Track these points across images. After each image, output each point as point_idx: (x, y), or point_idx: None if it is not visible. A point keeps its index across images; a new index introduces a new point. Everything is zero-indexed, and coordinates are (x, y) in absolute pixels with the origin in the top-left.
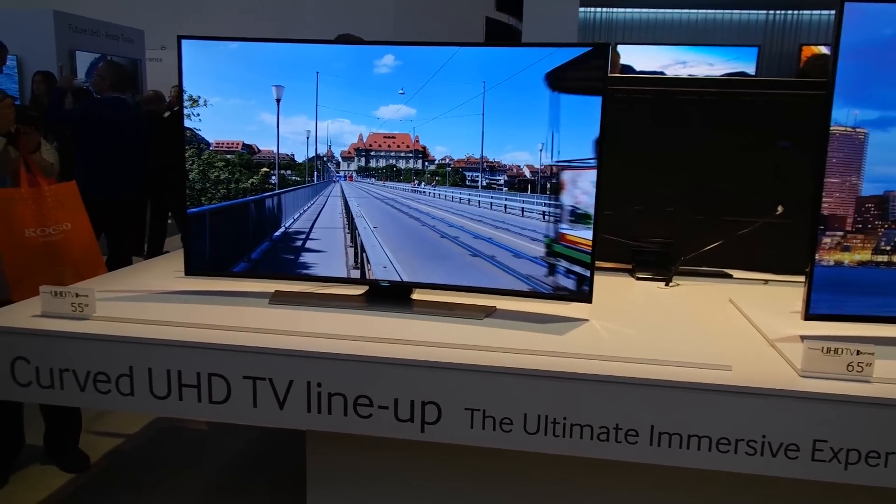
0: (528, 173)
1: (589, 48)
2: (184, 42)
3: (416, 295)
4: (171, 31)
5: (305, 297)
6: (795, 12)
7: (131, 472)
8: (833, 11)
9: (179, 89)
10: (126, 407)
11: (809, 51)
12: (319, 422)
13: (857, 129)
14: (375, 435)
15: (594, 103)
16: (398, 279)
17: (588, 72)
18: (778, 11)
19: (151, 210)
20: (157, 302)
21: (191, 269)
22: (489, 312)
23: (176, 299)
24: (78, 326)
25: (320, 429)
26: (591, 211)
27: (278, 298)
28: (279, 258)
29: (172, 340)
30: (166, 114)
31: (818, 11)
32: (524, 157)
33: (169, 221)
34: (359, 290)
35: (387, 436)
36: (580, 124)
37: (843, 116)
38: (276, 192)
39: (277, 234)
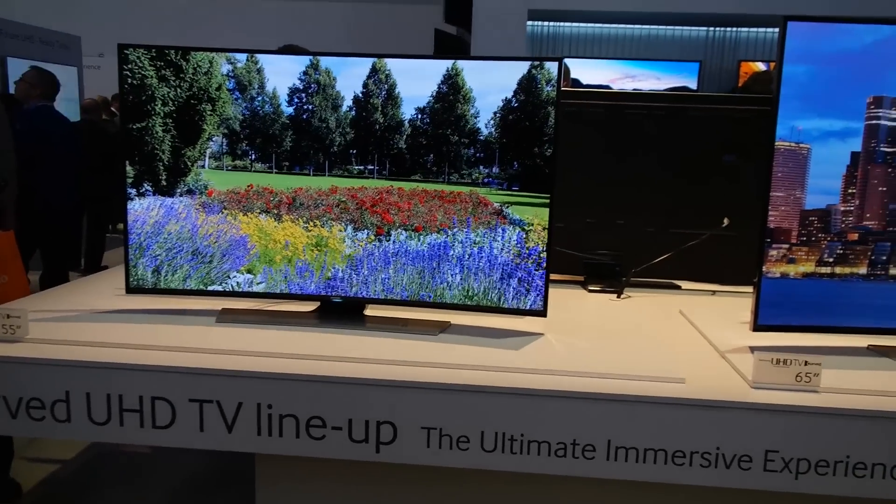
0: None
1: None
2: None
3: (370, 311)
4: (110, 37)
5: (254, 314)
6: (734, 29)
7: (68, 500)
8: (771, 29)
9: (121, 98)
10: (62, 434)
11: (748, 66)
12: (270, 445)
13: (801, 145)
14: (329, 457)
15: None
16: (350, 294)
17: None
18: (718, 28)
19: (88, 222)
20: (95, 322)
21: (132, 286)
22: (444, 328)
23: (116, 319)
24: (9, 350)
25: (271, 452)
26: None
27: (226, 316)
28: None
29: (112, 363)
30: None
31: (755, 29)
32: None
33: (108, 234)
34: (310, 307)
35: (341, 458)
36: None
37: (786, 131)
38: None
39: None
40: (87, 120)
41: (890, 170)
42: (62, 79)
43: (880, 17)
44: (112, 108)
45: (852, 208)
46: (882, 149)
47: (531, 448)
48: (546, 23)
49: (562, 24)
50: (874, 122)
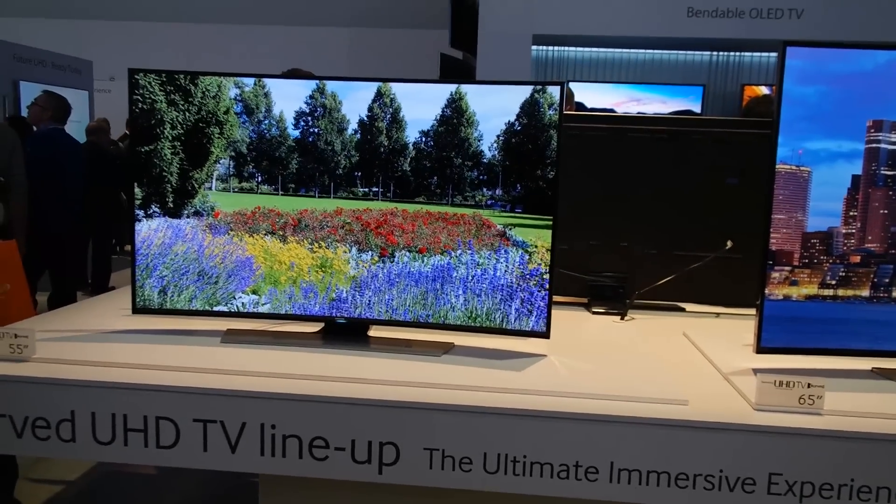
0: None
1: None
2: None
3: (374, 331)
4: (121, 61)
5: (259, 335)
6: (737, 54)
7: None
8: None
9: (131, 121)
10: (67, 454)
11: (751, 90)
12: (273, 465)
13: (802, 168)
14: (332, 478)
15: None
16: (355, 315)
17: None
18: (721, 52)
19: (94, 244)
20: (101, 342)
21: (138, 307)
22: (447, 349)
23: (121, 339)
24: (16, 369)
25: (274, 472)
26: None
27: (231, 337)
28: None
29: (117, 383)
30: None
31: (759, 53)
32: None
33: (115, 256)
34: (314, 328)
35: (343, 478)
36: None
37: (787, 154)
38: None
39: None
40: (91, 142)
41: (891, 192)
42: (73, 102)
43: (879, 41)
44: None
45: (854, 231)
46: (883, 172)
47: (534, 470)
48: (551, 47)
49: (566, 48)
50: (874, 145)
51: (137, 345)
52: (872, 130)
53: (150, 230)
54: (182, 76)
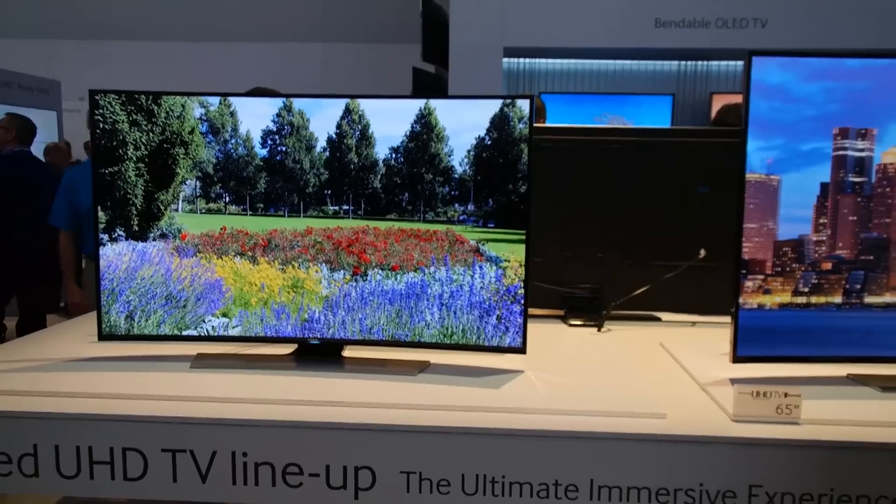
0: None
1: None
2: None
3: (348, 352)
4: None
5: (230, 358)
6: (705, 63)
7: None
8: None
9: (92, 144)
10: (30, 489)
11: (720, 98)
12: (246, 494)
13: (771, 177)
14: None
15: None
16: (328, 335)
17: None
18: (689, 62)
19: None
20: (64, 371)
21: (104, 333)
22: (423, 367)
23: (86, 367)
24: None
25: (246, 501)
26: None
27: (200, 362)
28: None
29: (81, 414)
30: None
31: (726, 62)
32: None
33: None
34: (287, 349)
35: None
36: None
37: (757, 163)
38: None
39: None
40: (48, 162)
41: (859, 199)
42: (41, 123)
43: (843, 49)
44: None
45: (825, 238)
46: (850, 179)
47: (513, 490)
48: (522, 59)
49: (537, 60)
50: (841, 152)
51: (103, 373)
52: (839, 138)
53: (115, 254)
54: (143, 96)
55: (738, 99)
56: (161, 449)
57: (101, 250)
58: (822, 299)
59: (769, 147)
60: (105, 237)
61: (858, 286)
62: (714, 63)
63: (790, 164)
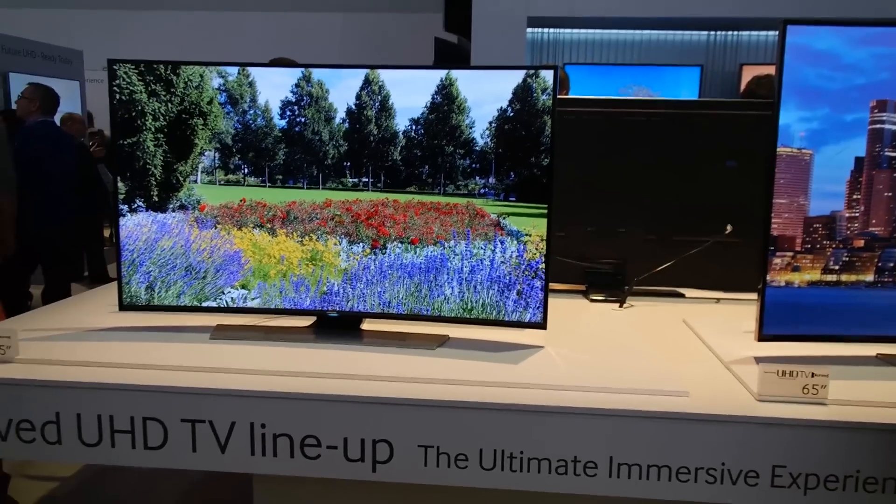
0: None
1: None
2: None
3: (367, 325)
4: (113, 51)
5: (249, 330)
6: (735, 33)
7: None
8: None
9: (111, 113)
10: (52, 457)
11: (750, 70)
12: (264, 465)
13: (803, 151)
14: (324, 476)
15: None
16: (347, 308)
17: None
18: (718, 32)
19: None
20: (86, 341)
21: (125, 304)
22: (442, 342)
23: (108, 337)
24: None
25: (265, 472)
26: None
27: (220, 333)
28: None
29: (103, 383)
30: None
31: (756, 32)
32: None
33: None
34: (306, 322)
35: (336, 477)
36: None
37: (788, 137)
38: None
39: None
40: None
41: (895, 174)
42: (64, 93)
43: (882, 17)
44: None
45: (857, 214)
46: (887, 153)
47: (531, 466)
48: (546, 30)
49: (561, 30)
50: (878, 126)
51: (124, 343)
52: (876, 111)
53: (135, 225)
54: (162, 66)
55: (769, 70)
56: (181, 419)
57: (121, 221)
58: (853, 277)
59: (802, 120)
60: (125, 208)
61: (891, 264)
62: (744, 33)
63: (823, 137)
